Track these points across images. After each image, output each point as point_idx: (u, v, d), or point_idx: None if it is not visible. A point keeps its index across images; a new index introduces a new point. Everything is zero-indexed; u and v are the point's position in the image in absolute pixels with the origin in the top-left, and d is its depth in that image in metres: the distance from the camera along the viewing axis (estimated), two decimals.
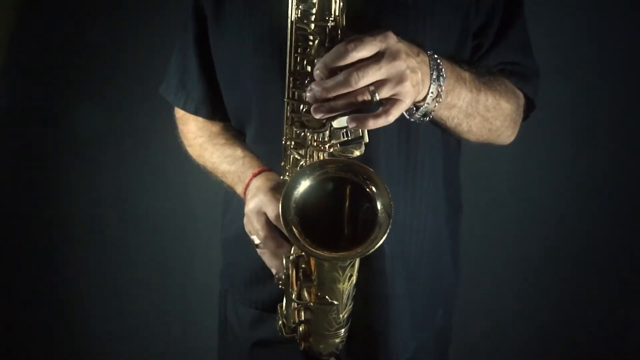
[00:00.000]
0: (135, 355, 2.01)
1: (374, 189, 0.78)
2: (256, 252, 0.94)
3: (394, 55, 0.75)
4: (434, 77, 0.81)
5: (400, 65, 0.75)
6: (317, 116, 0.76)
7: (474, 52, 1.02)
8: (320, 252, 0.76)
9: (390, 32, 0.76)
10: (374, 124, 0.76)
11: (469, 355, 1.93)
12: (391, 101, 0.76)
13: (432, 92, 0.82)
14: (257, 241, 0.92)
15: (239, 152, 1.07)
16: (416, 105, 0.85)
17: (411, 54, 0.77)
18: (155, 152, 1.82)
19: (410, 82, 0.76)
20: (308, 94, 0.76)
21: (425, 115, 0.86)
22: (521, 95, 1.04)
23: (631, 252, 1.90)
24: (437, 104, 0.84)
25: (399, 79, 0.75)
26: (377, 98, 0.75)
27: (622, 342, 1.97)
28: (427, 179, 1.03)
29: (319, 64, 0.75)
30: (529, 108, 1.09)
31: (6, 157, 1.83)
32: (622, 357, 1.98)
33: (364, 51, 0.74)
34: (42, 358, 2.00)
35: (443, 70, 0.82)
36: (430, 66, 0.81)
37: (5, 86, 1.76)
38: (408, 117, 0.88)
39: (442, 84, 0.82)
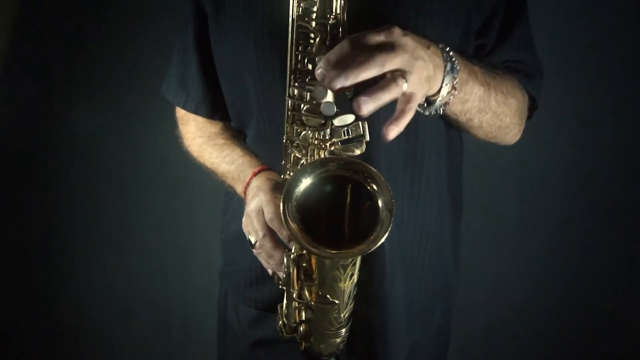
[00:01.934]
0: (135, 355, 2.01)
1: (374, 186, 0.78)
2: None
3: (398, 49, 0.73)
4: (448, 69, 0.80)
5: (405, 58, 0.73)
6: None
7: (478, 51, 1.01)
8: (322, 250, 0.76)
9: (395, 27, 0.75)
10: (401, 125, 0.74)
11: (469, 355, 1.94)
12: (405, 96, 0.74)
13: (446, 84, 0.80)
14: (253, 241, 0.91)
15: (238, 151, 1.07)
16: (430, 99, 0.84)
17: (420, 47, 0.75)
18: (155, 152, 1.82)
19: (419, 76, 0.74)
20: (317, 71, 0.73)
21: (439, 108, 0.84)
22: (526, 93, 1.04)
23: (632, 252, 1.90)
24: (451, 97, 0.82)
25: (404, 72, 0.73)
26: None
27: (622, 342, 1.97)
28: (429, 177, 1.03)
29: (321, 61, 0.73)
30: (532, 107, 1.08)
31: (6, 157, 1.83)
32: (622, 357, 1.98)
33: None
34: (41, 358, 2.00)
35: (456, 62, 0.81)
36: (443, 58, 0.80)
37: (5, 86, 1.76)
38: (422, 111, 0.87)
39: (456, 76, 0.80)
